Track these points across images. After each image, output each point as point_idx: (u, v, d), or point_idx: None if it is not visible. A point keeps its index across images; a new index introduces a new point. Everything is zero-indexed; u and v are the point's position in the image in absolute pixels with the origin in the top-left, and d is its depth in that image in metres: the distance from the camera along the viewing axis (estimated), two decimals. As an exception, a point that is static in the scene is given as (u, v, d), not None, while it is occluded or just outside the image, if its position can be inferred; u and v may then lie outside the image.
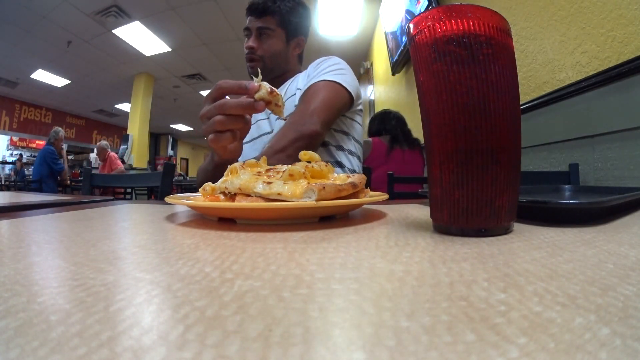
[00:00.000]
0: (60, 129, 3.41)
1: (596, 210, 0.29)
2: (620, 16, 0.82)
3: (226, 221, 0.31)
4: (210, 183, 0.35)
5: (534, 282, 0.14)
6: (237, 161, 0.38)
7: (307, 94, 0.70)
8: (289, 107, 0.77)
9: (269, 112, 0.78)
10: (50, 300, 0.12)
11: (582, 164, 0.93)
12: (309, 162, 0.36)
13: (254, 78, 0.41)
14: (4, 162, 6.57)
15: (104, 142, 3.74)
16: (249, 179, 0.31)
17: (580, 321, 0.10)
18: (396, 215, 0.35)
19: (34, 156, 5.97)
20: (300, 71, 0.89)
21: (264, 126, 0.81)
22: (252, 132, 0.81)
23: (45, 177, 3.18)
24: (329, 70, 0.74)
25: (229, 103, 0.40)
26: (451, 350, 0.09)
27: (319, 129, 0.64)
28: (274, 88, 0.41)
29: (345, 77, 0.74)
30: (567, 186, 0.53)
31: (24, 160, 6.58)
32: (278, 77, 0.86)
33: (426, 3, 1.88)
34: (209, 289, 0.13)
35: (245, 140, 0.80)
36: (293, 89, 0.81)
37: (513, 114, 0.23)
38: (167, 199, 0.35)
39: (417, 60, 0.25)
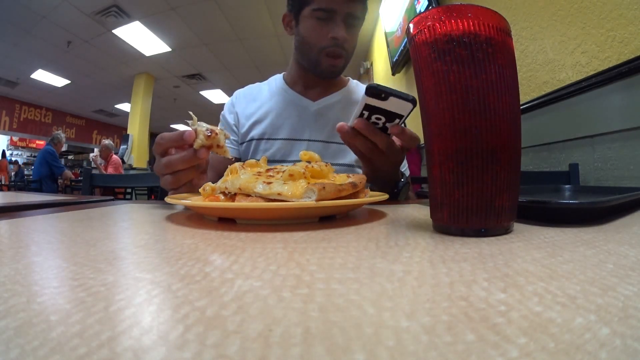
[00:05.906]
0: (62, 134, 3.41)
1: (596, 210, 0.29)
2: (620, 16, 0.82)
3: (226, 221, 0.31)
4: (210, 183, 0.35)
5: (534, 282, 0.14)
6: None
7: None
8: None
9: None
10: (50, 300, 0.12)
11: (582, 164, 0.93)
12: (309, 162, 0.36)
13: (189, 122, 0.40)
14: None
15: (108, 142, 3.68)
16: (249, 179, 0.31)
17: (580, 321, 0.10)
18: (396, 215, 0.35)
19: (34, 156, 5.97)
20: (343, 82, 0.72)
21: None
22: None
23: (45, 177, 3.18)
24: None
25: (173, 161, 0.40)
26: (451, 350, 0.09)
27: None
28: (212, 128, 0.39)
29: None
30: (567, 186, 0.53)
31: (25, 161, 6.59)
32: (332, 86, 0.66)
33: (426, 3, 1.89)
34: (209, 289, 0.13)
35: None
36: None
37: (513, 114, 0.23)
38: (167, 199, 0.35)
39: (417, 60, 0.25)
